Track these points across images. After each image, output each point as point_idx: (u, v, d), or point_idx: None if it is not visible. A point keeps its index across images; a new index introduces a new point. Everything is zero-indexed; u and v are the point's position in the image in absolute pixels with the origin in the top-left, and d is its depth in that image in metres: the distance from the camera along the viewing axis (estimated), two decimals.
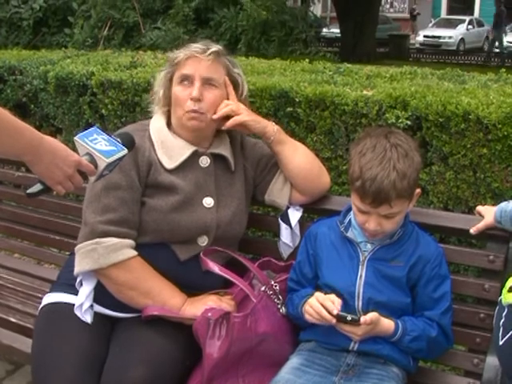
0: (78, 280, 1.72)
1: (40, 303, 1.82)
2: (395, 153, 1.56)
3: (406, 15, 29.46)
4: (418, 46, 21.04)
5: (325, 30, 20.48)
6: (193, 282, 1.71)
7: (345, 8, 15.08)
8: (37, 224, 2.45)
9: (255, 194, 1.90)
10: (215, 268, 1.69)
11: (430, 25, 24.75)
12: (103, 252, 1.62)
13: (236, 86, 1.79)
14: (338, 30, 17.22)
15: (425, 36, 22.31)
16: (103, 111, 3.40)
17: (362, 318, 1.52)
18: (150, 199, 1.69)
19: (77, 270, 1.67)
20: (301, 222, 1.88)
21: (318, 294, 1.60)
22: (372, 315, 1.53)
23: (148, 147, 1.72)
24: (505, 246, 1.69)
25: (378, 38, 16.36)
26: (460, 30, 22.54)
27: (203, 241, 1.73)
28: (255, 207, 2.12)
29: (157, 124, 1.79)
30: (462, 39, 22.18)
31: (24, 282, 2.35)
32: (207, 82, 1.72)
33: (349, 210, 1.70)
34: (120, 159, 1.44)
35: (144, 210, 1.69)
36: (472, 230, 1.70)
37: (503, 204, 1.65)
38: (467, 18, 23.47)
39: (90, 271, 1.66)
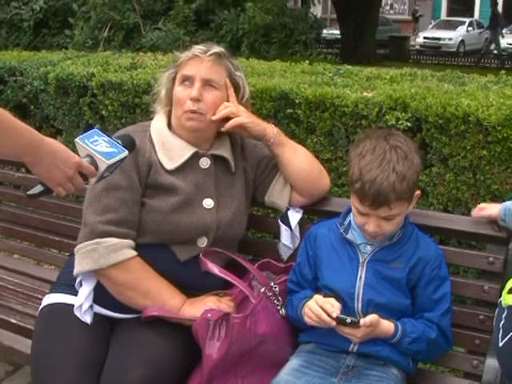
0: (77, 280, 1.72)
1: (40, 304, 1.82)
2: (395, 155, 1.56)
3: (406, 17, 29.50)
4: (418, 47, 21.08)
5: (325, 31, 20.50)
6: (192, 283, 1.72)
7: (345, 9, 15.10)
8: (37, 225, 2.45)
9: (255, 195, 1.90)
10: (215, 269, 1.69)
11: (430, 26, 24.78)
12: (103, 252, 1.62)
13: (237, 88, 1.79)
14: (338, 32, 17.25)
15: (425, 38, 22.34)
16: (103, 112, 3.41)
17: (362, 321, 1.52)
18: (150, 200, 1.70)
19: (76, 270, 1.67)
20: (301, 223, 1.89)
21: (317, 297, 1.60)
22: (371, 317, 1.53)
23: (148, 148, 1.73)
24: (504, 248, 1.69)
25: (378, 40, 16.38)
26: (460, 32, 22.57)
27: (203, 242, 1.74)
28: (255, 208, 2.13)
29: (158, 124, 1.79)
30: (462, 41, 22.22)
31: (24, 283, 2.35)
32: (207, 83, 1.73)
33: (348, 211, 1.70)
34: (121, 161, 1.44)
35: (144, 210, 1.69)
36: (473, 212, 1.69)
37: (508, 203, 1.65)
38: (467, 20, 23.51)
39: (90, 271, 1.66)
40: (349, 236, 1.68)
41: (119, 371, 1.53)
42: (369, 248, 1.65)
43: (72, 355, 1.58)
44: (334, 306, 1.55)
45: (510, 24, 22.91)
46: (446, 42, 21.64)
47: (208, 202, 1.74)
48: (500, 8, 27.09)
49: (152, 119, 1.84)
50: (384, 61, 13.82)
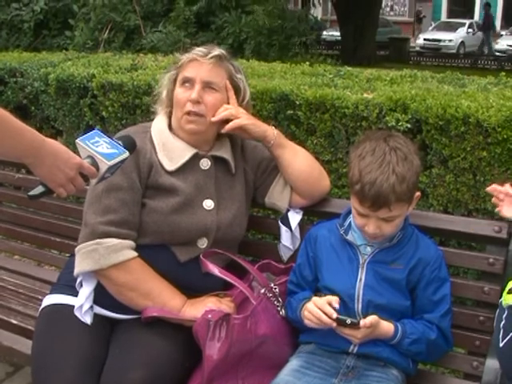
0: (78, 281, 1.73)
1: (40, 305, 1.82)
2: (394, 156, 1.56)
3: (407, 18, 29.51)
4: (418, 49, 21.09)
5: (325, 32, 20.51)
6: (193, 284, 1.72)
7: (345, 11, 15.12)
8: (37, 226, 2.46)
9: (255, 196, 1.90)
10: (215, 270, 1.69)
11: (430, 28, 24.80)
12: (104, 253, 1.62)
13: (237, 90, 1.79)
14: (338, 33, 17.26)
15: (425, 39, 22.36)
16: (104, 113, 3.41)
17: (362, 322, 1.53)
18: (151, 201, 1.70)
19: (77, 270, 1.67)
20: (301, 224, 1.89)
21: (316, 299, 1.60)
22: (371, 318, 1.53)
23: (149, 149, 1.73)
24: (504, 249, 1.70)
25: (378, 41, 16.40)
26: (460, 34, 22.59)
27: (203, 243, 1.74)
28: (255, 210, 2.13)
29: (159, 125, 1.79)
30: (462, 42, 22.23)
31: (25, 283, 2.35)
32: (207, 86, 1.73)
33: (349, 212, 1.70)
34: (121, 162, 1.44)
35: (144, 211, 1.69)
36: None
37: None
38: (467, 22, 23.52)
39: (90, 272, 1.67)
40: (349, 237, 1.68)
41: (119, 372, 1.54)
42: (369, 249, 1.65)
43: (72, 356, 1.58)
44: (332, 302, 1.55)
45: (510, 26, 22.96)
46: (446, 43, 21.65)
47: (208, 203, 1.75)
48: (500, 10, 27.19)
49: (152, 120, 1.84)
50: (384, 62, 13.84)
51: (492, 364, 1.62)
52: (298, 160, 1.82)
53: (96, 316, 1.72)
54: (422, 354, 1.64)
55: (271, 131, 1.80)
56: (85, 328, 1.68)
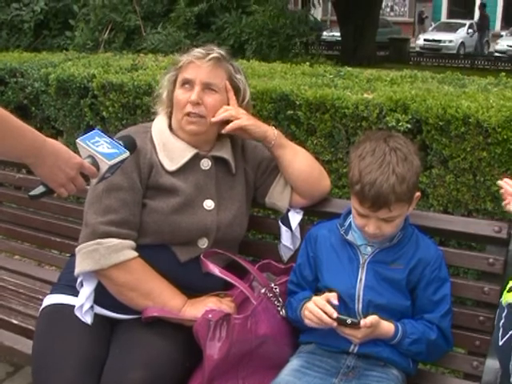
0: (78, 281, 1.73)
1: (41, 305, 1.82)
2: (394, 157, 1.56)
3: (407, 19, 29.51)
4: (418, 49, 21.09)
5: (325, 33, 20.51)
6: (193, 284, 1.72)
7: (345, 11, 15.13)
8: (38, 226, 2.46)
9: (256, 196, 1.90)
10: (215, 270, 1.69)
11: (431, 29, 24.81)
12: (104, 253, 1.63)
13: (237, 91, 1.79)
14: (338, 34, 17.27)
15: (425, 40, 22.36)
16: (104, 114, 3.41)
17: (362, 321, 1.53)
18: (151, 201, 1.70)
19: (78, 270, 1.68)
20: (301, 224, 1.89)
21: (316, 299, 1.60)
22: (372, 318, 1.53)
23: (150, 149, 1.73)
24: (504, 249, 1.70)
25: (378, 42, 16.41)
26: (460, 34, 22.59)
27: (203, 243, 1.74)
28: (255, 210, 2.13)
29: (159, 125, 1.80)
30: (463, 43, 22.23)
31: (25, 283, 2.35)
32: (207, 87, 1.73)
33: (349, 212, 1.71)
34: (122, 162, 1.44)
35: (145, 211, 1.70)
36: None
37: None
38: (467, 22, 23.51)
39: (91, 272, 1.67)
40: (349, 237, 1.68)
41: (119, 372, 1.54)
42: (369, 249, 1.65)
43: (73, 356, 1.59)
44: (331, 299, 1.56)
45: (510, 26, 22.97)
46: (447, 44, 21.65)
47: (208, 204, 1.75)
48: (499, 10, 27.18)
49: (153, 120, 1.84)
50: (384, 63, 13.85)
51: (492, 364, 1.63)
52: (299, 160, 1.83)
53: (96, 316, 1.72)
54: (422, 353, 1.64)
55: (271, 131, 1.80)
56: (85, 328, 1.68)
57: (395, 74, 3.36)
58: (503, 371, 1.44)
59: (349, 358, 1.63)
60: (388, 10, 29.82)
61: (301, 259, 1.77)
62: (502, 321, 1.45)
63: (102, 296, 1.70)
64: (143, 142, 1.72)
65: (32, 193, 1.37)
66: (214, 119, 1.73)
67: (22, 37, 8.20)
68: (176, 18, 7.45)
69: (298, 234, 1.88)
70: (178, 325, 1.65)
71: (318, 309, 1.56)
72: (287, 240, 1.89)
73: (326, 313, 1.55)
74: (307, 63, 3.78)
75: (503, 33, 23.66)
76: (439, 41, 21.86)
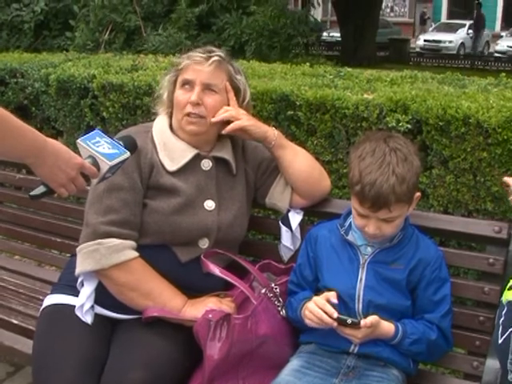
0: (79, 280, 1.73)
1: (41, 305, 1.83)
2: (394, 157, 1.56)
3: (407, 19, 29.52)
4: (418, 50, 21.10)
5: (325, 33, 20.52)
6: (193, 284, 1.72)
7: (345, 12, 15.13)
8: (38, 226, 2.46)
9: (256, 197, 1.90)
10: (216, 270, 1.69)
11: (431, 29, 24.82)
12: (105, 253, 1.63)
13: (237, 92, 1.80)
14: (338, 34, 17.27)
15: (425, 40, 22.37)
16: (104, 114, 3.41)
17: (363, 321, 1.53)
18: (152, 201, 1.70)
19: (78, 270, 1.68)
20: (301, 225, 1.89)
21: (316, 299, 1.60)
22: (372, 318, 1.53)
23: (150, 149, 1.73)
24: (504, 249, 1.70)
25: (378, 42, 16.41)
26: (460, 35, 22.61)
27: (204, 243, 1.74)
28: (256, 210, 2.13)
29: (160, 125, 1.80)
30: (463, 43, 22.24)
31: (25, 283, 2.35)
32: (207, 88, 1.73)
33: (349, 213, 1.71)
34: (122, 162, 1.45)
35: (146, 211, 1.70)
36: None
37: None
38: (467, 23, 23.50)
39: (92, 272, 1.67)
40: (349, 237, 1.68)
41: (119, 372, 1.54)
42: (369, 249, 1.65)
43: (73, 356, 1.59)
44: (330, 298, 1.56)
45: (510, 27, 22.98)
46: (447, 44, 21.67)
47: (209, 204, 1.75)
48: (500, 11, 27.19)
49: (154, 120, 1.85)
50: (384, 63, 13.85)
51: (492, 364, 1.63)
52: (299, 160, 1.83)
53: (97, 316, 1.72)
54: (423, 354, 1.64)
55: (272, 132, 1.81)
56: (85, 328, 1.68)
57: (395, 74, 3.36)
58: (503, 370, 1.44)
59: (349, 358, 1.63)
60: (388, 10, 29.84)
61: (301, 259, 1.77)
62: (502, 319, 1.45)
63: (102, 296, 1.70)
64: (144, 141, 1.73)
65: (32, 193, 1.37)
66: (214, 119, 1.73)
67: (22, 37, 8.20)
68: (177, 18, 7.45)
69: (298, 234, 1.89)
70: (178, 325, 1.65)
71: (319, 309, 1.56)
72: (287, 240, 1.89)
73: (326, 312, 1.55)
74: (307, 64, 3.78)
75: (503, 33, 23.67)
76: (439, 41, 21.87)
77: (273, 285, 1.75)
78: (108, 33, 7.39)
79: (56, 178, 1.33)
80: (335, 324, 1.54)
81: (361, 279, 1.63)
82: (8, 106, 3.99)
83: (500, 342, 1.43)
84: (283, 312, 1.73)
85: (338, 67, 3.89)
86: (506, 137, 2.32)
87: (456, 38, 22.11)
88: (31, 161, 1.31)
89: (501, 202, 2.43)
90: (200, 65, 1.73)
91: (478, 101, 2.49)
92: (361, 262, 1.65)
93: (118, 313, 1.73)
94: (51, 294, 1.83)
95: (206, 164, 1.77)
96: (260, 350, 1.64)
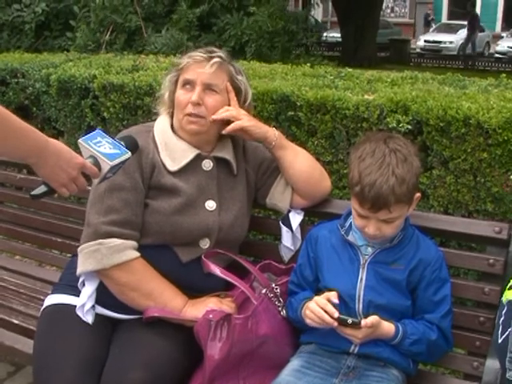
0: (80, 280, 1.73)
1: (42, 305, 1.83)
2: (394, 158, 1.56)
3: (407, 20, 29.52)
4: (418, 50, 21.09)
5: (325, 34, 20.53)
6: (194, 284, 1.72)
7: (346, 12, 15.14)
8: (38, 226, 2.46)
9: (256, 197, 1.91)
10: (216, 270, 1.70)
11: (431, 30, 24.80)
12: (106, 253, 1.63)
13: (238, 92, 1.80)
14: (338, 35, 17.27)
15: (425, 41, 22.35)
16: (105, 114, 3.41)
17: (363, 321, 1.53)
18: (153, 201, 1.71)
19: (80, 270, 1.68)
20: (302, 225, 1.89)
21: (317, 298, 1.60)
22: (373, 318, 1.54)
23: (152, 149, 1.74)
24: (504, 250, 1.70)
25: (378, 43, 16.41)
26: (461, 35, 22.56)
27: (205, 243, 1.74)
28: (256, 210, 2.13)
29: (161, 125, 1.80)
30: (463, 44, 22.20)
31: (26, 283, 2.36)
32: (208, 88, 1.74)
33: (349, 213, 1.71)
34: (123, 162, 1.45)
35: (147, 211, 1.70)
36: None
37: None
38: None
39: (93, 272, 1.67)
40: (350, 238, 1.68)
41: (120, 372, 1.54)
42: (370, 250, 1.66)
43: (73, 356, 1.59)
44: (331, 298, 1.56)
45: (510, 28, 22.97)
46: (447, 45, 21.65)
47: (210, 204, 1.75)
48: (500, 11, 27.18)
49: (154, 120, 1.85)
50: (385, 64, 13.86)
51: (492, 364, 1.63)
52: (299, 161, 1.83)
53: (97, 316, 1.72)
54: (423, 354, 1.64)
55: (272, 132, 1.81)
56: (86, 328, 1.68)
57: (396, 75, 3.36)
58: (503, 370, 1.45)
59: (349, 358, 1.63)
60: (388, 11, 29.83)
61: (301, 260, 1.77)
62: (502, 318, 1.45)
63: (103, 296, 1.70)
64: (145, 141, 1.73)
65: (34, 192, 1.37)
66: (214, 116, 1.73)
67: (23, 38, 8.20)
68: (178, 19, 7.45)
69: (298, 234, 1.89)
70: (178, 325, 1.66)
71: (320, 308, 1.56)
72: (288, 240, 1.89)
73: (327, 312, 1.55)
74: (308, 64, 3.78)
75: (503, 34, 23.66)
76: (439, 42, 21.86)
77: (273, 285, 1.75)
78: (109, 33, 7.39)
79: (57, 178, 1.34)
80: (336, 324, 1.54)
81: (361, 279, 1.63)
82: (9, 106, 3.97)
83: (500, 341, 1.43)
84: (283, 312, 1.73)
85: (339, 68, 3.89)
86: (506, 137, 2.32)
87: (456, 39, 22.08)
88: (33, 161, 1.31)
89: (501, 203, 2.43)
90: (201, 65, 1.73)
91: (479, 101, 2.49)
92: (361, 263, 1.65)
93: (118, 313, 1.73)
94: (52, 293, 1.83)
95: (207, 164, 1.78)
96: (260, 350, 1.65)
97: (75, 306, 1.71)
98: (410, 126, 2.50)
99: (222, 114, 1.74)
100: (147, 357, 1.57)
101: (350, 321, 1.53)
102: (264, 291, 1.72)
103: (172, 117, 1.81)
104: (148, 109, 3.09)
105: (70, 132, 3.72)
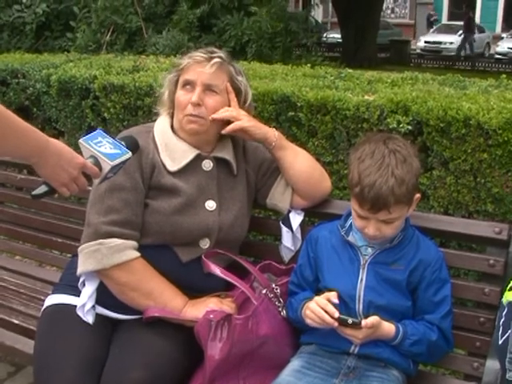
0: (80, 280, 1.74)
1: (42, 305, 1.83)
2: (393, 159, 1.56)
3: (408, 21, 29.53)
4: (418, 51, 21.10)
5: (325, 34, 20.54)
6: (194, 284, 1.73)
7: (346, 13, 15.15)
8: (39, 226, 2.46)
9: (257, 197, 1.91)
10: (217, 270, 1.70)
11: (431, 30, 24.80)
12: (106, 253, 1.63)
13: (239, 93, 1.80)
14: (339, 35, 17.29)
15: (426, 42, 22.35)
16: (105, 115, 3.42)
17: (363, 322, 1.53)
18: (153, 201, 1.71)
19: (80, 270, 1.68)
20: (302, 225, 1.89)
21: (318, 299, 1.60)
22: (373, 319, 1.54)
23: (152, 149, 1.74)
24: (505, 251, 1.70)
25: (379, 44, 16.43)
26: (461, 36, 22.58)
27: (205, 243, 1.75)
28: (257, 211, 2.14)
29: (161, 126, 1.80)
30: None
31: (26, 284, 2.36)
32: (208, 88, 1.74)
33: (350, 214, 1.71)
34: (124, 162, 1.45)
35: (147, 211, 1.70)
36: None
37: None
38: None
39: (93, 272, 1.67)
40: (350, 238, 1.68)
41: (120, 372, 1.54)
42: (370, 250, 1.66)
43: (74, 356, 1.59)
44: (330, 298, 1.56)
45: (511, 29, 22.98)
46: (447, 45, 21.65)
47: (210, 204, 1.75)
48: (500, 12, 27.18)
49: (154, 121, 1.85)
50: (385, 64, 13.87)
51: (492, 365, 1.63)
52: (299, 162, 1.83)
53: (98, 316, 1.72)
54: (423, 354, 1.64)
55: (272, 133, 1.81)
56: (86, 328, 1.68)
57: (396, 75, 3.36)
58: (503, 370, 1.45)
59: (349, 358, 1.63)
60: (389, 11, 29.84)
61: (301, 260, 1.77)
62: (502, 319, 1.45)
63: (103, 296, 1.70)
64: (146, 141, 1.73)
65: (34, 192, 1.38)
66: (214, 115, 1.73)
67: (23, 38, 8.20)
68: (178, 20, 7.45)
69: (298, 234, 1.89)
70: (178, 325, 1.66)
71: (320, 308, 1.56)
72: (288, 241, 1.89)
73: (327, 312, 1.55)
74: (308, 65, 3.79)
75: (504, 35, 23.66)
76: (440, 43, 21.85)
77: (273, 285, 1.75)
78: (109, 34, 7.39)
79: (58, 178, 1.34)
80: (336, 324, 1.54)
81: (361, 280, 1.63)
82: (9, 107, 3.91)
83: (500, 342, 1.43)
84: (284, 312, 1.73)
85: (340, 68, 3.89)
86: (506, 138, 2.32)
87: (457, 40, 22.06)
88: (34, 160, 1.31)
89: (501, 204, 2.43)
90: (201, 65, 1.73)
91: (479, 102, 2.49)
92: (361, 263, 1.65)
93: (118, 313, 1.73)
94: (52, 294, 1.84)
95: (207, 164, 1.78)
96: (261, 350, 1.65)
97: (75, 306, 1.71)
98: (410, 127, 2.50)
99: (222, 114, 1.74)
100: (147, 357, 1.57)
101: (350, 321, 1.53)
102: (264, 291, 1.72)
103: (172, 117, 1.81)
104: (148, 109, 3.09)
105: (71, 132, 3.72)
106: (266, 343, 1.65)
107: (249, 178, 1.87)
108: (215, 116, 1.73)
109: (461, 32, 21.84)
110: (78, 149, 1.43)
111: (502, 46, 21.16)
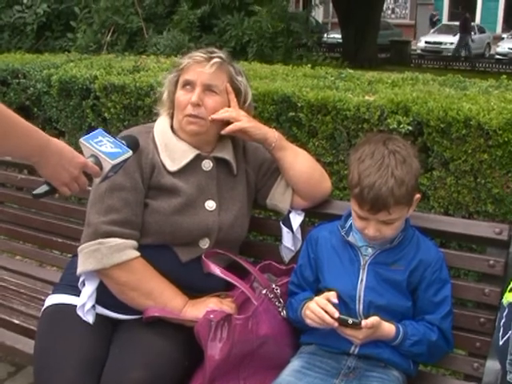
0: (80, 280, 1.74)
1: (43, 305, 1.83)
2: (393, 159, 1.56)
3: (408, 21, 29.53)
4: (419, 51, 21.10)
5: (325, 35, 20.52)
6: (194, 284, 1.73)
7: (346, 13, 15.15)
8: (39, 226, 2.46)
9: (257, 198, 1.91)
10: (216, 270, 1.70)
11: (432, 31, 24.81)
12: (106, 252, 1.63)
13: (238, 93, 1.80)
14: (339, 36, 17.28)
15: (426, 42, 22.36)
16: (106, 115, 3.42)
17: (363, 322, 1.53)
18: (153, 201, 1.71)
19: (80, 269, 1.68)
20: (302, 226, 1.89)
21: (318, 299, 1.60)
22: (373, 319, 1.54)
23: (152, 149, 1.74)
24: (505, 251, 1.70)
25: (379, 44, 16.42)
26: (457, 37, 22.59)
27: (205, 243, 1.75)
28: (257, 211, 2.14)
29: (161, 126, 1.81)
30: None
31: (26, 284, 2.36)
32: (208, 89, 1.74)
33: (350, 214, 1.71)
34: (125, 161, 1.45)
35: (147, 211, 1.70)
36: None
37: None
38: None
39: (93, 271, 1.68)
40: (350, 239, 1.68)
41: (120, 372, 1.54)
42: (370, 250, 1.66)
43: (74, 356, 1.59)
44: (330, 298, 1.56)
45: (511, 29, 22.99)
46: (448, 46, 21.65)
47: (210, 204, 1.75)
48: (501, 13, 27.20)
49: (155, 121, 1.85)
50: (385, 65, 13.87)
51: (492, 365, 1.63)
52: (299, 162, 1.83)
53: (98, 316, 1.72)
54: (423, 355, 1.64)
55: (272, 134, 1.81)
56: (87, 328, 1.68)
57: (396, 76, 3.36)
58: (503, 371, 1.45)
59: (349, 358, 1.63)
60: (389, 12, 29.86)
61: (302, 260, 1.77)
62: (503, 320, 1.45)
63: (103, 296, 1.71)
64: (145, 142, 1.73)
65: (36, 192, 1.38)
66: (214, 116, 1.73)
67: (24, 38, 8.21)
68: (179, 20, 7.46)
69: (299, 235, 1.89)
70: (178, 325, 1.66)
71: (320, 308, 1.57)
72: (288, 241, 1.90)
73: (327, 312, 1.55)
74: (309, 65, 3.79)
75: (504, 35, 23.67)
76: (440, 43, 21.86)
77: (273, 285, 1.75)
78: (110, 34, 7.40)
79: (59, 177, 1.34)
80: (336, 324, 1.54)
81: (361, 280, 1.63)
82: (10, 107, 3.91)
83: (500, 343, 1.43)
84: (284, 313, 1.73)
85: (341, 68, 3.89)
86: (506, 139, 2.33)
87: (456, 40, 22.08)
88: (35, 160, 1.32)
89: (501, 204, 2.43)
90: (201, 65, 1.73)
91: (479, 103, 2.49)
92: (361, 263, 1.65)
93: (118, 313, 1.73)
94: (53, 293, 1.84)
95: (207, 164, 1.78)
96: (261, 350, 1.65)
97: (76, 306, 1.71)
98: (410, 127, 2.50)
99: (222, 114, 1.74)
100: (147, 357, 1.57)
101: (350, 321, 1.53)
102: (264, 292, 1.72)
103: (172, 118, 1.81)
104: (149, 109, 3.09)
105: (71, 132, 3.73)
106: (266, 343, 1.65)
107: (249, 178, 1.87)
108: (215, 116, 1.73)
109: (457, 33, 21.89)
110: (78, 149, 1.43)
111: (503, 47, 21.18)
